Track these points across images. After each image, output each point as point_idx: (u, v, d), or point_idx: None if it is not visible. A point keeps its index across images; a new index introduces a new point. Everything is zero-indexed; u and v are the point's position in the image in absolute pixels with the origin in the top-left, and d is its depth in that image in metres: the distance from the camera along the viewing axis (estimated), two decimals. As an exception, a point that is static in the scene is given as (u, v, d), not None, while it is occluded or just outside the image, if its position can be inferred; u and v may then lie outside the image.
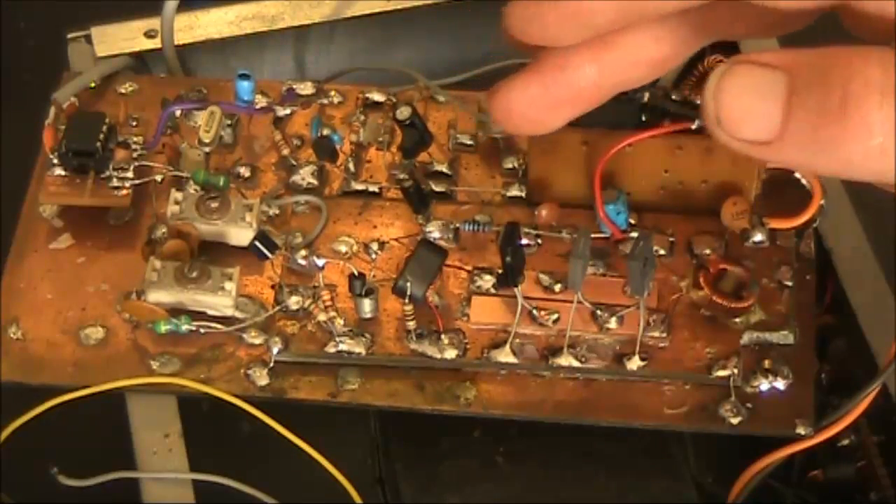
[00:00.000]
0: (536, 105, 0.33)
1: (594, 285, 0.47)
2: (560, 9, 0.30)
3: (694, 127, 0.45)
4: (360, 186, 0.50)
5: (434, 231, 0.49)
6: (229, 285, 0.46)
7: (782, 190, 0.49)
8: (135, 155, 0.50)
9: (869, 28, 0.30)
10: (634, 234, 0.48)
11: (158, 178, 0.50)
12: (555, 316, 0.47)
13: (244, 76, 0.50)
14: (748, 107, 0.29)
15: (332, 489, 0.46)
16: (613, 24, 0.30)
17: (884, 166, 0.27)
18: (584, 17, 0.30)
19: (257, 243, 0.46)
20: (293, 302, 0.47)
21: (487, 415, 0.46)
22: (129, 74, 0.55)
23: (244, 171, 0.51)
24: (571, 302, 0.46)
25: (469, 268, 0.48)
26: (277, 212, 0.50)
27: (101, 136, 0.49)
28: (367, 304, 0.47)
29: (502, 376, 0.46)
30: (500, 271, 0.47)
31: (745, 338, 0.46)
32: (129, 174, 0.49)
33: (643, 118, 0.47)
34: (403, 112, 0.49)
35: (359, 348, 0.46)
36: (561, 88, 0.33)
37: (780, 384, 0.46)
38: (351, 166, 0.51)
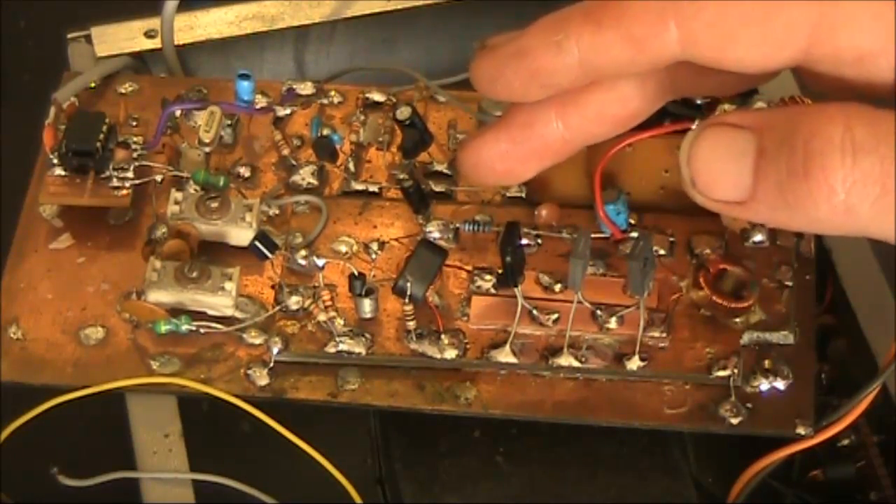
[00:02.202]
0: (506, 159, 0.33)
1: (594, 285, 0.47)
2: (521, 69, 0.30)
3: (694, 127, 0.45)
4: (360, 186, 0.50)
5: (434, 231, 0.49)
6: (229, 285, 0.47)
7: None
8: (135, 155, 0.50)
9: (827, 85, 0.29)
10: (634, 234, 0.48)
11: (158, 178, 0.50)
12: (555, 316, 0.47)
13: (244, 76, 0.50)
14: (720, 170, 0.29)
15: (332, 489, 0.46)
16: (575, 83, 0.30)
17: (852, 223, 0.27)
18: (545, 77, 0.30)
19: (257, 243, 0.46)
20: (293, 302, 0.47)
21: (487, 415, 0.46)
22: (129, 74, 0.55)
23: (244, 171, 0.51)
24: (571, 302, 0.46)
25: (469, 268, 0.48)
26: (277, 212, 0.50)
27: (101, 136, 0.49)
28: (367, 304, 0.47)
29: (502, 376, 0.46)
30: (500, 271, 0.47)
31: (745, 338, 0.46)
32: (129, 174, 0.49)
33: (643, 118, 0.47)
34: (403, 112, 0.49)
35: (359, 348, 0.46)
36: (529, 144, 0.33)
37: (780, 384, 0.46)
38: (351, 166, 0.51)
